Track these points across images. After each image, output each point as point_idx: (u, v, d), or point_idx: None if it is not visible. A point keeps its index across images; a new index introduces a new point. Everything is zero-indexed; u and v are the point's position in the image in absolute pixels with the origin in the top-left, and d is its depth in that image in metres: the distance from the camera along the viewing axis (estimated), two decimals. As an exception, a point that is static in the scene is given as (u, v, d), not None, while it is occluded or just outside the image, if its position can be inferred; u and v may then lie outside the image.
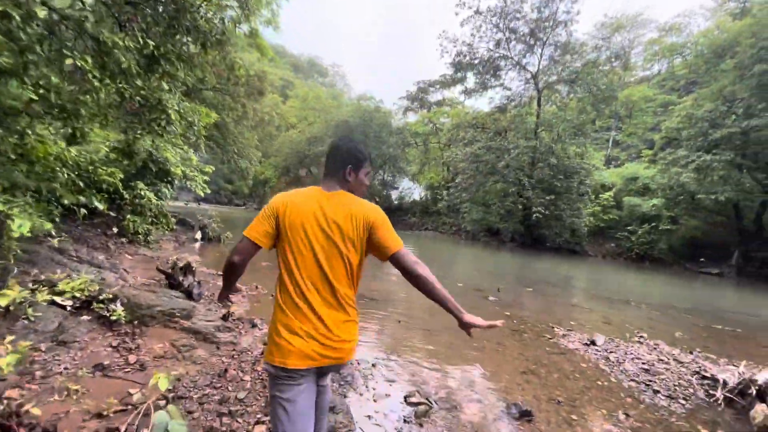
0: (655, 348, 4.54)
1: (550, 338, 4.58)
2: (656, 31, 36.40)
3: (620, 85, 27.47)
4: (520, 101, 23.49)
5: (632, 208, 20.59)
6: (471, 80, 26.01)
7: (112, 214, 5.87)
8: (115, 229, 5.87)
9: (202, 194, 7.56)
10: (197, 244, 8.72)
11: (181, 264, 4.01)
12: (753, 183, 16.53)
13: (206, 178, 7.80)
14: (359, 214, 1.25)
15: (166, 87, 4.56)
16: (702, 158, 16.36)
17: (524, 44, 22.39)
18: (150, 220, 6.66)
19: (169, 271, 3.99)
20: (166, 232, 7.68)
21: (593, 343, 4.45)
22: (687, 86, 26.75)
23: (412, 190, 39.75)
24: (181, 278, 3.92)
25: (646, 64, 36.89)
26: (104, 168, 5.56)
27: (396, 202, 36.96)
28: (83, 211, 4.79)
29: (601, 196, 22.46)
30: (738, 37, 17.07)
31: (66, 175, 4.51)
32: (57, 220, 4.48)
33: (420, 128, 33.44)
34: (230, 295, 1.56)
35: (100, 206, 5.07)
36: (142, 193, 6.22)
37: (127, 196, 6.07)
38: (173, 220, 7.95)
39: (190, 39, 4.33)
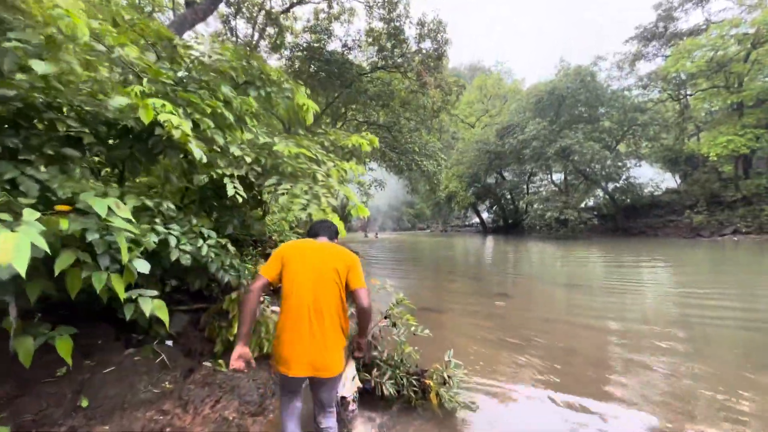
0: None
1: None
2: None
3: None
4: None
5: None
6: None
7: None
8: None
9: (364, 216, 2.26)
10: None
11: None
12: None
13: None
14: (345, 259, 1.81)
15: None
16: None
17: None
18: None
19: None
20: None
21: None
22: None
23: (654, 178, 25.57)
24: None
25: None
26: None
27: (639, 196, 23.77)
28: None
29: None
30: None
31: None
32: None
33: (676, 68, 20.37)
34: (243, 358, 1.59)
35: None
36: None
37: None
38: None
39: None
